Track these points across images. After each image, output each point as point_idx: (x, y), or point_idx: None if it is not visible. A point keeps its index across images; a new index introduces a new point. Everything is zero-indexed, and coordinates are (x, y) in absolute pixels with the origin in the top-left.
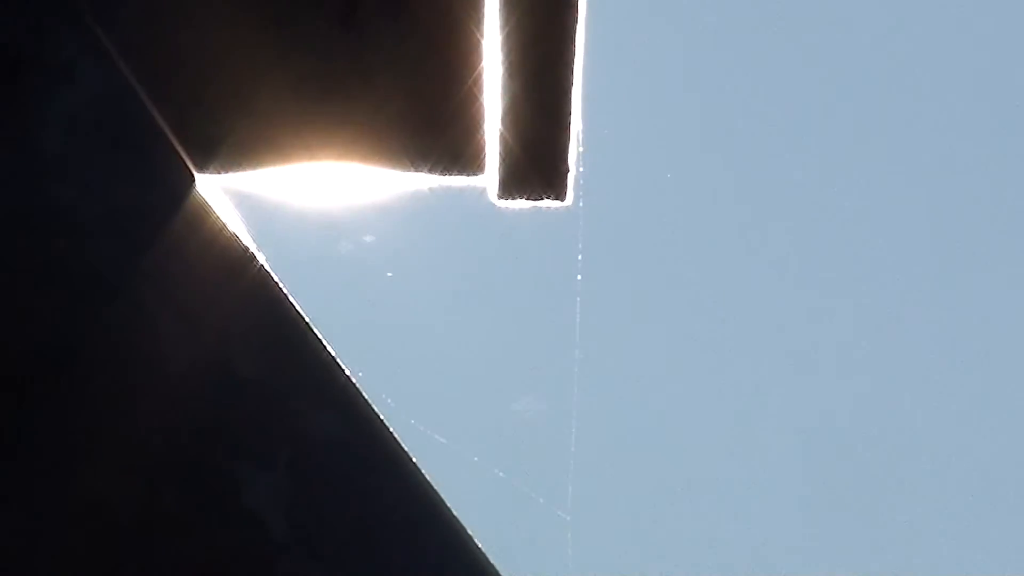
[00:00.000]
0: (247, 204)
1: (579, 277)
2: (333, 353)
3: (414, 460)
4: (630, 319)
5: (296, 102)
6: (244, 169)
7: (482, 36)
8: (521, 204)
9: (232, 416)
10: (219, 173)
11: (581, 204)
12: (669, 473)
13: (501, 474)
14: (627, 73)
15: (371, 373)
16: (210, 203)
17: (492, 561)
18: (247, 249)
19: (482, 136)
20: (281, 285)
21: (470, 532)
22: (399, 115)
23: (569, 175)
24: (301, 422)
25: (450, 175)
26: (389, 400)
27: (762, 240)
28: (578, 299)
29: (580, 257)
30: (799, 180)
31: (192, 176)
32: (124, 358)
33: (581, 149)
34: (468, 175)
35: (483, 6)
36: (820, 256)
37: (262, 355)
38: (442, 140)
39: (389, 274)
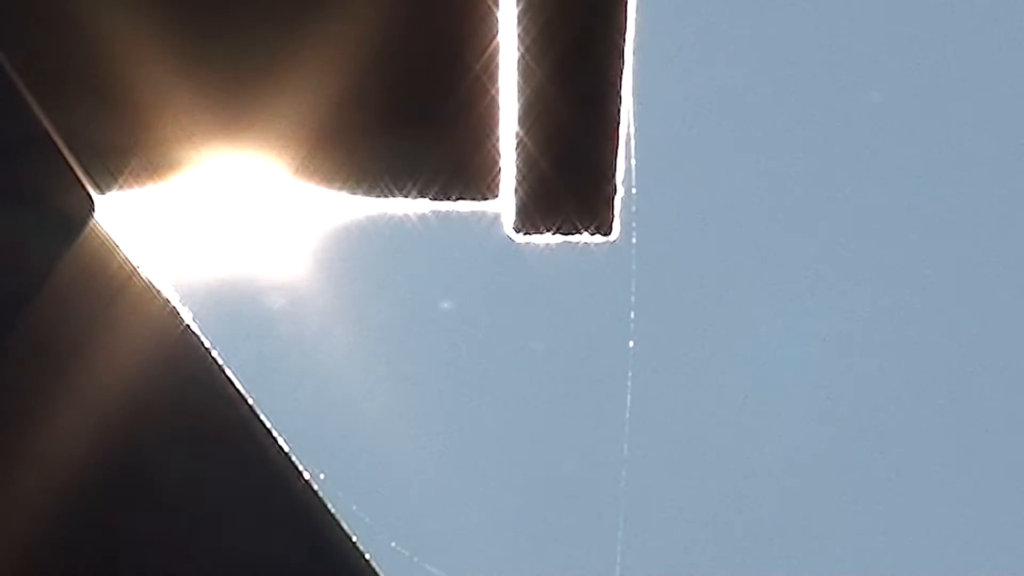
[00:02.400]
0: (160, 235)
1: (631, 344)
2: (283, 445)
3: None
4: (688, 382)
5: (229, 103)
6: (157, 190)
7: (495, 2)
8: (547, 239)
9: (145, 532)
10: (125, 193)
11: (634, 239)
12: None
13: None
14: (685, 61)
15: (338, 479)
16: (115, 236)
17: None
18: (167, 302)
19: (494, 144)
20: (209, 347)
21: None
22: (372, 116)
23: (617, 199)
24: (235, 551)
25: (448, 199)
26: (365, 518)
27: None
28: (630, 370)
29: (632, 314)
30: (878, 205)
31: (91, 200)
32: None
33: (633, 162)
34: (473, 199)
35: None
36: (899, 295)
37: (187, 448)
38: (436, 150)
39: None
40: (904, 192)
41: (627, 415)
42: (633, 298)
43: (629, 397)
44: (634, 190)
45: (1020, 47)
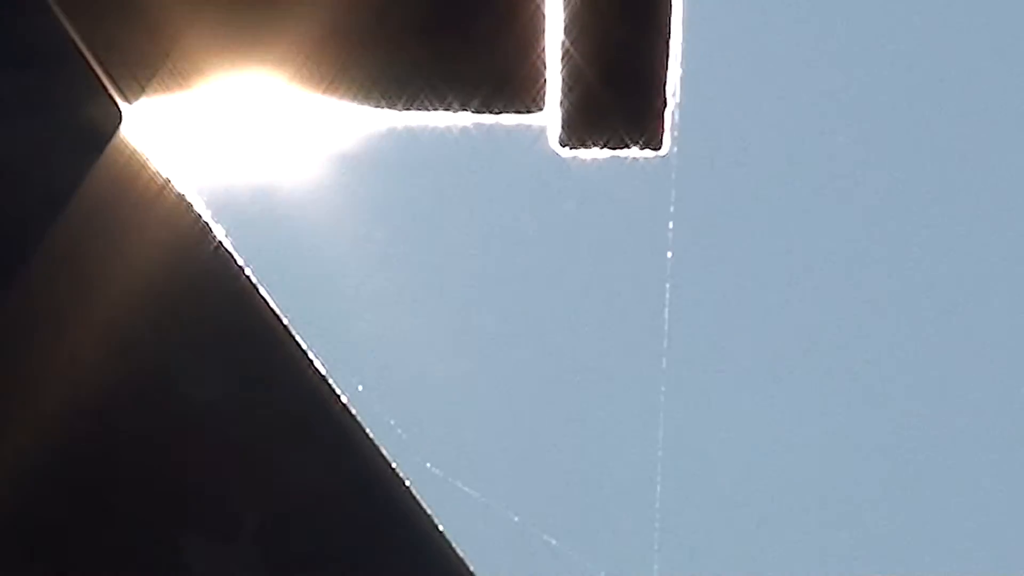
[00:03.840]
0: (194, 145)
1: (669, 255)
2: (319, 365)
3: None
4: (729, 312)
5: (260, 10)
6: (186, 100)
7: None
8: (594, 153)
9: (179, 451)
10: (153, 103)
11: (675, 151)
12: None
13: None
14: None
15: (376, 392)
16: (143, 146)
17: None
18: (197, 215)
19: (539, 54)
20: (244, 265)
21: None
22: (411, 24)
23: (667, 112)
24: (274, 470)
25: (491, 112)
26: (400, 432)
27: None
28: (667, 288)
29: (671, 229)
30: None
31: (119, 109)
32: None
33: (680, 74)
34: (518, 111)
35: None
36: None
37: (220, 366)
38: (478, 61)
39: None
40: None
41: (665, 345)
42: (673, 212)
43: (667, 326)
44: (679, 103)
45: None
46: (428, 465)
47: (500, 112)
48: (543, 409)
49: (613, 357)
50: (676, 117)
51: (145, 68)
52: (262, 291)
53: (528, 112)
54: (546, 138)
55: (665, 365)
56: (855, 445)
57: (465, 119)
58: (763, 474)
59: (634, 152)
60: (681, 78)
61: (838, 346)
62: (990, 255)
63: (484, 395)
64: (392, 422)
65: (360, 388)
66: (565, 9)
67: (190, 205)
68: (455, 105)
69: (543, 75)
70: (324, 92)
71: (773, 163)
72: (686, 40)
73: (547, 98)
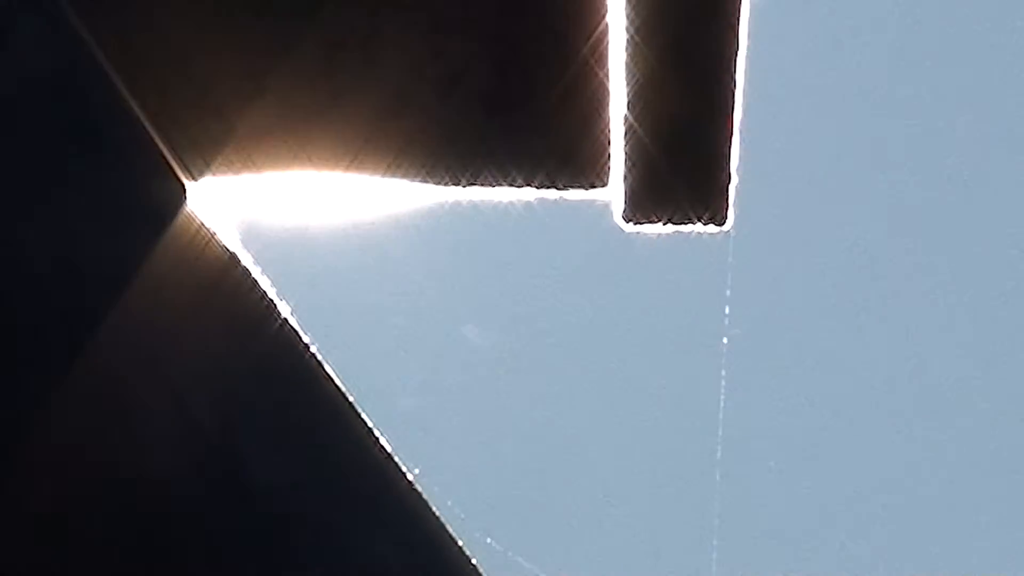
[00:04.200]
0: (257, 226)
1: (725, 341)
2: (386, 444)
3: None
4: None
5: (323, 89)
6: (248, 177)
7: None
8: (658, 228)
9: (245, 536)
10: (217, 181)
11: (733, 229)
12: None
13: None
14: (801, 44)
15: (445, 476)
16: (208, 224)
17: None
18: (264, 294)
19: (603, 129)
20: (309, 344)
21: None
22: (475, 101)
23: (732, 188)
24: (344, 552)
25: (555, 187)
26: (461, 515)
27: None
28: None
29: (727, 311)
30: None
31: (183, 186)
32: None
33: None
34: (582, 187)
35: None
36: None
37: (286, 449)
38: (542, 136)
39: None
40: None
41: (720, 416)
42: (729, 292)
43: (722, 398)
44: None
45: None
46: (489, 540)
47: (565, 187)
48: (596, 485)
49: (668, 439)
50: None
51: (209, 145)
52: (328, 370)
53: (593, 187)
54: (611, 213)
55: (719, 454)
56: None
57: (530, 195)
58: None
59: (698, 227)
60: (742, 152)
61: (897, 430)
62: None
63: (542, 475)
64: (450, 503)
65: (417, 471)
66: (629, 84)
67: (255, 283)
68: (519, 181)
69: (607, 150)
70: (386, 171)
71: (835, 239)
72: (749, 115)
73: (611, 173)
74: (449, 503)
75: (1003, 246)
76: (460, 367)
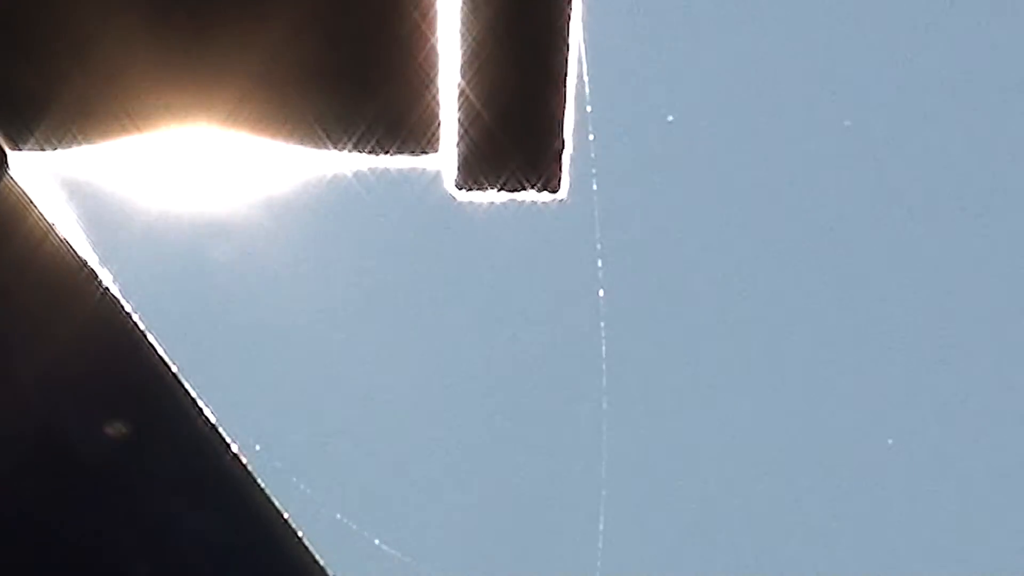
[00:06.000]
0: (80, 192)
1: (602, 298)
2: (211, 416)
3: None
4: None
5: (153, 48)
6: (75, 145)
7: None
8: (491, 196)
9: (66, 509)
10: (41, 151)
11: (567, 197)
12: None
13: None
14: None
15: (274, 445)
16: (29, 192)
17: None
18: (85, 265)
19: (434, 95)
20: (130, 311)
21: None
22: (304, 64)
23: (565, 154)
24: (168, 528)
25: (385, 153)
26: (304, 487)
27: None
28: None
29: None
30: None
31: (4, 155)
32: None
33: (577, 114)
34: (412, 153)
35: None
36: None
37: (107, 419)
38: (372, 101)
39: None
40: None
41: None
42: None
43: (603, 374)
44: (592, 140)
45: None
46: (339, 516)
47: (394, 154)
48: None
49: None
50: (576, 160)
51: (32, 110)
52: (151, 339)
53: (423, 154)
54: (441, 181)
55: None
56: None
57: (358, 161)
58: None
59: (531, 195)
60: (581, 119)
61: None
62: None
63: (379, 445)
64: (295, 479)
65: (258, 448)
66: (461, 49)
67: (75, 251)
68: (347, 147)
69: (438, 116)
70: (217, 132)
71: (675, 211)
72: (588, 78)
73: (442, 140)
74: (294, 480)
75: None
76: (285, 345)
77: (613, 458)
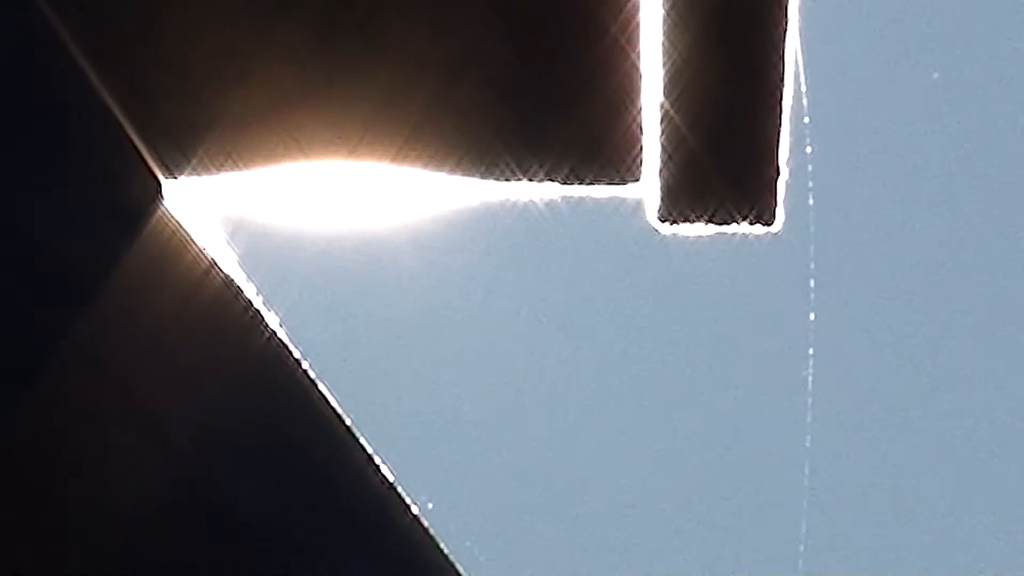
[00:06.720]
0: (242, 225)
1: (811, 351)
2: (386, 470)
3: None
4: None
5: (319, 70)
6: (234, 172)
7: None
8: (696, 229)
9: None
10: (197, 177)
11: (784, 230)
12: None
13: None
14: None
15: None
16: (186, 224)
17: None
18: (249, 304)
19: (635, 118)
20: (301, 358)
21: None
22: (489, 85)
23: (780, 185)
24: None
25: (580, 183)
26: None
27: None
28: (809, 388)
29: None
30: None
31: (159, 184)
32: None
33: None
34: (611, 183)
35: None
36: None
37: (271, 467)
38: (566, 126)
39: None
40: None
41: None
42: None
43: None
44: (809, 171)
45: None
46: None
47: (591, 183)
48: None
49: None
50: (793, 189)
51: (187, 138)
52: (321, 387)
53: (623, 183)
54: (643, 212)
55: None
56: None
57: (551, 191)
58: None
59: (743, 228)
60: (796, 145)
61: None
62: None
63: (572, 499)
64: (468, 543)
65: (431, 506)
66: (664, 65)
67: (239, 291)
68: (539, 175)
69: (639, 141)
70: (388, 165)
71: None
72: (806, 101)
73: (644, 167)
74: (468, 543)
75: None
76: (472, 386)
77: (814, 498)
